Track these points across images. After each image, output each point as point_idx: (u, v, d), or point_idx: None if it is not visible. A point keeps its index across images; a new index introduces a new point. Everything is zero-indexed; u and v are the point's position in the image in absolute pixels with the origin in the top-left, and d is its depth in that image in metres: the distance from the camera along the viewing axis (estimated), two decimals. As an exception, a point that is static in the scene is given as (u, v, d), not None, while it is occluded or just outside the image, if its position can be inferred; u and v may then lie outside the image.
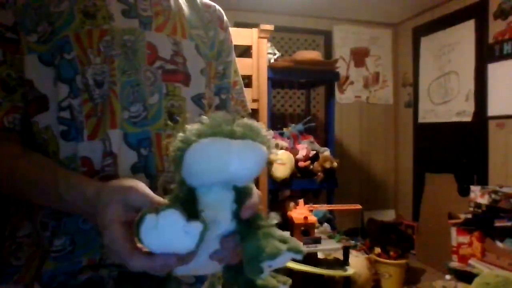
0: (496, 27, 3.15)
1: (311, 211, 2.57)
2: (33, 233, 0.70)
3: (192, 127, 0.53)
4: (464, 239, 2.75)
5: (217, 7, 0.93)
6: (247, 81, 2.73)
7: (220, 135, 0.52)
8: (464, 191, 3.26)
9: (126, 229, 0.52)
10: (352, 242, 2.61)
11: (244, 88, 1.00)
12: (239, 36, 2.66)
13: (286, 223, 2.60)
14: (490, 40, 3.19)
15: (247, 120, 0.55)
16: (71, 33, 0.69)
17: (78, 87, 0.68)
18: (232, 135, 0.52)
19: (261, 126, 0.55)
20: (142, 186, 0.56)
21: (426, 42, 3.94)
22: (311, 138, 3.30)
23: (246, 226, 0.55)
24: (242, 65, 2.70)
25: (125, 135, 0.70)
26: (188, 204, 0.53)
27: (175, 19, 0.80)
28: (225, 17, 0.94)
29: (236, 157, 0.51)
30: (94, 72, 0.69)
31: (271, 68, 3.02)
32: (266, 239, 0.53)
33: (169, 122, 0.75)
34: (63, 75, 0.68)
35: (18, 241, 0.71)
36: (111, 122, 0.69)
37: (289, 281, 0.59)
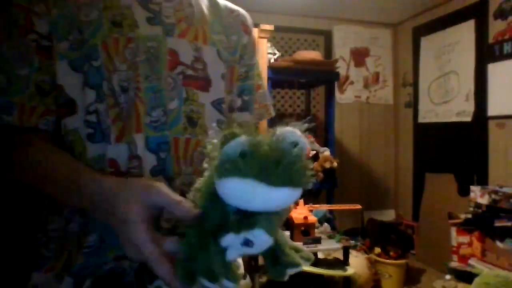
0: (496, 27, 3.15)
1: (311, 211, 2.57)
2: (61, 227, 0.75)
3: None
4: (464, 239, 2.76)
5: (241, 11, 0.95)
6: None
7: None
8: (464, 191, 3.26)
9: (151, 231, 0.54)
10: (352, 242, 2.61)
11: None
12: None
13: (286, 223, 2.59)
14: (490, 40, 3.19)
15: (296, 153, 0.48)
16: (99, 41, 0.72)
17: (104, 93, 0.72)
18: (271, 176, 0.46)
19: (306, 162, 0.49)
20: (163, 186, 0.57)
21: (426, 42, 3.94)
22: (311, 138, 3.30)
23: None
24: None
25: (146, 139, 0.74)
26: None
27: (197, 25, 0.83)
28: (249, 21, 0.96)
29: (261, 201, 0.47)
30: (120, 79, 0.73)
31: (271, 68, 3.02)
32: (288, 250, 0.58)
33: (188, 127, 0.78)
34: (91, 81, 0.72)
35: (49, 234, 0.76)
36: (136, 126, 0.73)
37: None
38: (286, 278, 0.59)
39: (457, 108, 3.54)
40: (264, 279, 2.46)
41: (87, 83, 0.72)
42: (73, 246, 0.72)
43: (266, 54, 2.83)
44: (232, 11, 0.94)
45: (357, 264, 2.91)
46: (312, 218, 2.46)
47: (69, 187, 0.66)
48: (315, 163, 3.07)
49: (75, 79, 0.73)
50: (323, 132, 3.64)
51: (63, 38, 0.72)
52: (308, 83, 3.75)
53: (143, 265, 0.57)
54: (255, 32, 2.73)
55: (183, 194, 0.59)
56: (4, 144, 0.74)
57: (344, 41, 4.22)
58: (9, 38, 0.72)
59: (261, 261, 2.43)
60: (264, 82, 1.03)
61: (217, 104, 0.84)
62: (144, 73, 0.74)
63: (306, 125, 0.56)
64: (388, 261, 3.30)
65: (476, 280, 2.20)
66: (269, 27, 2.76)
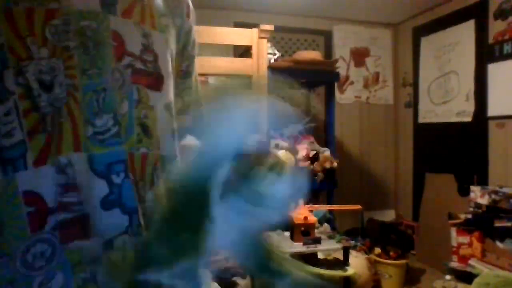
0: (496, 27, 3.15)
1: (311, 211, 2.57)
2: None
3: None
4: (464, 239, 2.76)
5: None
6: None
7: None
8: (464, 191, 3.26)
9: None
10: (352, 242, 2.60)
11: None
12: (239, 36, 2.66)
13: (286, 223, 2.59)
14: (490, 40, 3.19)
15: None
16: None
17: (8, 89, 0.49)
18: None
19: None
20: None
21: (426, 42, 3.94)
22: (311, 139, 3.30)
23: None
24: (242, 66, 2.70)
25: (90, 158, 0.52)
26: None
27: (142, 3, 0.62)
28: (189, 2, 0.76)
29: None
30: (39, 70, 0.50)
31: (271, 68, 3.02)
32: None
33: (143, 138, 0.58)
34: None
35: None
36: (73, 140, 0.51)
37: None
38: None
39: (457, 108, 3.54)
40: (263, 279, 2.46)
41: None
42: None
43: (266, 54, 2.83)
44: None
45: (357, 264, 2.91)
46: (312, 218, 2.46)
47: None
48: (315, 163, 3.07)
49: None
50: (323, 133, 3.63)
51: None
52: (308, 83, 3.75)
53: None
54: (255, 32, 2.73)
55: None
56: None
57: (344, 41, 4.22)
58: None
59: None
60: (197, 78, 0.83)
61: (169, 108, 0.64)
62: (80, 65, 0.52)
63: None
64: (388, 261, 3.30)
65: (476, 280, 2.20)
66: (269, 27, 2.75)
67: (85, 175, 0.51)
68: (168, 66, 0.65)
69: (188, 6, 0.74)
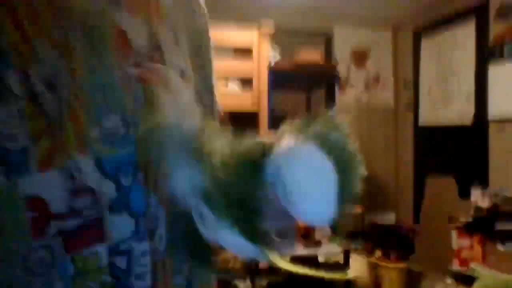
0: (497, 28, 3.14)
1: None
2: None
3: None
4: (465, 242, 2.74)
5: None
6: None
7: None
8: (464, 194, 3.25)
9: None
10: (353, 245, 2.59)
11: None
12: (240, 37, 2.65)
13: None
14: (491, 41, 3.18)
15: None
16: (2, 9, 0.47)
17: (12, 91, 0.47)
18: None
19: None
20: None
21: (426, 43, 3.94)
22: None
23: None
24: (243, 67, 2.70)
25: (98, 161, 0.50)
26: None
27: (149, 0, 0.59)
28: (202, 2, 0.73)
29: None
30: (44, 71, 0.48)
31: (272, 70, 3.01)
32: None
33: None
34: None
35: None
36: (80, 143, 0.49)
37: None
38: None
39: (457, 110, 3.53)
40: (264, 282, 2.45)
41: None
42: None
43: (266, 55, 2.82)
44: None
45: (357, 267, 2.90)
46: (312, 221, 2.45)
47: None
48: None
49: None
50: (323, 134, 3.62)
51: None
52: (308, 85, 3.75)
53: None
54: (256, 33, 2.72)
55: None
56: None
57: (345, 42, 4.21)
58: None
59: (261, 264, 2.42)
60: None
61: (179, 106, 0.61)
62: (86, 65, 0.50)
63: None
64: (388, 264, 3.29)
65: (477, 283, 2.19)
66: (270, 27, 2.75)
67: (93, 179, 0.49)
68: (178, 64, 0.62)
69: (200, 4, 0.72)
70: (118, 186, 0.51)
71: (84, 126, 0.49)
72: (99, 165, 0.50)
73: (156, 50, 0.58)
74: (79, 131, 0.49)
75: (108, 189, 0.50)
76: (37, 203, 0.47)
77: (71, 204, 0.48)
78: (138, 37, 0.55)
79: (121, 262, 0.51)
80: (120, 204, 0.51)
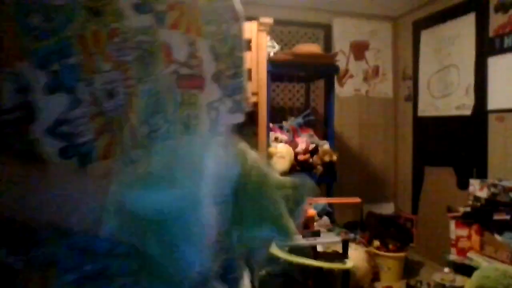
0: (496, 20, 3.13)
1: (310, 204, 2.57)
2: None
3: None
4: (463, 232, 2.77)
5: None
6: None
7: None
8: (463, 185, 3.27)
9: None
10: (351, 235, 2.62)
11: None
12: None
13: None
14: (491, 33, 3.18)
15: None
16: (74, 33, 0.58)
17: (82, 98, 0.59)
18: None
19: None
20: None
21: (426, 36, 3.93)
22: (311, 132, 3.30)
23: None
24: (242, 58, 2.70)
25: (146, 152, 0.62)
26: None
27: (189, 14, 0.70)
28: (237, 5, 0.83)
29: None
30: (104, 81, 0.60)
31: (271, 61, 3.01)
32: None
33: (185, 135, 0.67)
34: (63, 83, 0.58)
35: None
36: (133, 139, 0.61)
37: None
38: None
39: (456, 101, 3.54)
40: (263, 271, 2.47)
41: (57, 85, 0.58)
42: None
43: (265, 47, 2.82)
44: None
45: (356, 257, 2.92)
46: (312, 211, 2.47)
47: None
48: (315, 156, 3.07)
49: (40, 79, 0.58)
50: (323, 126, 3.63)
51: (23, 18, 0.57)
52: (307, 76, 3.74)
53: None
54: (255, 25, 2.72)
55: None
56: None
57: (344, 34, 4.20)
58: None
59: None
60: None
61: (211, 107, 0.73)
62: (137, 74, 0.62)
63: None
64: (387, 254, 3.32)
65: (476, 273, 2.21)
66: (269, 20, 2.75)
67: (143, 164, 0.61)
68: (212, 69, 0.73)
69: (235, 9, 0.82)
70: None
71: (135, 124, 0.61)
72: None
73: (193, 58, 0.69)
74: (131, 128, 0.61)
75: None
76: None
77: None
78: (178, 49, 0.67)
79: None
80: None
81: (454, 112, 3.56)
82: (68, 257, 0.59)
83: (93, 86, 0.59)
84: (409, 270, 3.44)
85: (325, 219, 2.80)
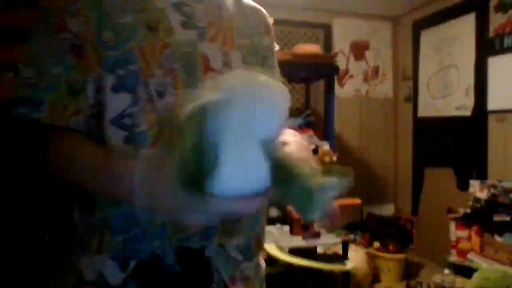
0: (496, 20, 3.13)
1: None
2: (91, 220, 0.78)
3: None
4: (463, 233, 2.76)
5: (263, 11, 0.99)
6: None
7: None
8: (463, 186, 3.26)
9: None
10: (351, 237, 2.61)
11: None
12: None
13: (286, 217, 2.59)
14: (491, 33, 3.17)
15: None
16: (136, 46, 0.74)
17: (140, 97, 0.73)
18: None
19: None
20: None
21: (426, 36, 3.92)
22: (311, 132, 3.29)
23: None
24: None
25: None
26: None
27: (225, 30, 0.84)
28: (269, 20, 1.00)
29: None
30: (157, 83, 0.74)
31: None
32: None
33: None
34: (127, 85, 0.74)
35: (82, 225, 0.81)
36: (177, 132, 0.70)
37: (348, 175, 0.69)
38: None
39: (456, 102, 3.53)
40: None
41: (122, 86, 0.73)
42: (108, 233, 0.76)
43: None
44: (255, 9, 0.95)
45: (356, 258, 2.92)
46: (311, 213, 2.46)
47: (108, 175, 0.68)
48: (315, 157, 3.06)
49: (109, 81, 0.73)
50: (323, 126, 3.63)
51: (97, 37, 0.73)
52: (307, 77, 3.73)
53: (183, 247, 0.73)
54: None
55: None
56: (34, 141, 0.77)
57: (344, 34, 4.20)
58: (42, 35, 0.74)
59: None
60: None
61: None
62: (182, 80, 0.76)
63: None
64: (387, 255, 3.31)
65: (476, 274, 2.21)
66: (269, 20, 2.73)
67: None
68: None
69: (267, 24, 0.98)
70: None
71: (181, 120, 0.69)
72: None
73: (227, 68, 0.81)
74: (178, 125, 0.66)
75: None
76: None
77: None
78: (215, 59, 0.80)
79: None
80: None
81: (454, 113, 3.55)
82: (118, 222, 0.74)
83: (149, 88, 0.74)
84: (409, 271, 3.43)
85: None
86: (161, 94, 0.74)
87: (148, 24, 0.75)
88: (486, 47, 3.21)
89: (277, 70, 1.01)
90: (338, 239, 2.49)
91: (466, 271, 2.54)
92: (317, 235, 2.41)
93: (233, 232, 0.80)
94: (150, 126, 0.73)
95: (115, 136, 0.74)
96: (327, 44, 4.14)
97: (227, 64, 0.81)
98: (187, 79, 0.76)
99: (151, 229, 0.73)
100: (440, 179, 3.70)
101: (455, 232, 2.79)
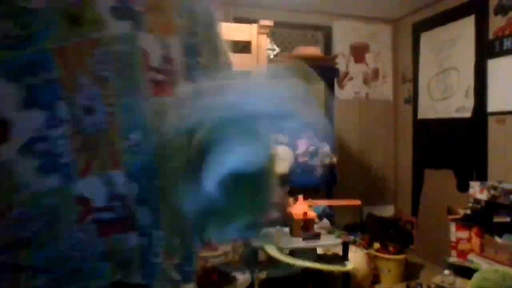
0: (496, 23, 3.14)
1: (310, 206, 2.57)
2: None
3: None
4: (463, 234, 2.77)
5: None
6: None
7: None
8: (463, 187, 3.27)
9: None
10: (352, 238, 2.61)
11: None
12: (238, 31, 2.65)
13: (286, 219, 2.60)
14: (490, 36, 3.18)
15: None
16: (52, 45, 0.53)
17: (60, 117, 0.54)
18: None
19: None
20: None
21: (426, 38, 3.94)
22: (310, 134, 3.30)
23: None
24: (242, 61, 2.70)
25: (126, 170, 0.59)
26: None
27: (165, 14, 0.66)
28: None
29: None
30: (84, 97, 0.55)
31: (271, 64, 3.02)
32: None
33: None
34: (39, 100, 0.53)
35: None
36: (113, 157, 0.58)
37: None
38: None
39: (456, 104, 3.54)
40: (263, 274, 2.47)
41: (32, 101, 0.53)
42: None
43: (265, 49, 2.83)
44: None
45: (356, 259, 2.92)
46: (312, 214, 2.47)
47: None
48: (315, 158, 3.07)
49: (8, 92, 0.52)
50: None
51: None
52: (307, 79, 3.74)
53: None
54: (255, 27, 2.72)
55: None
56: None
57: (344, 37, 4.21)
58: None
59: (260, 256, 2.44)
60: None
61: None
62: (116, 89, 0.58)
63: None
64: (387, 256, 3.31)
65: (476, 275, 2.21)
66: (269, 22, 2.75)
67: (124, 184, 0.58)
68: (180, 67, 0.68)
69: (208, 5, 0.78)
70: (141, 185, 0.60)
71: (116, 140, 0.57)
72: (128, 174, 0.58)
73: (167, 63, 0.65)
74: (111, 145, 0.57)
75: (135, 189, 0.59)
76: (83, 201, 0.56)
77: (108, 203, 0.57)
78: (154, 54, 0.62)
79: (144, 242, 0.61)
80: (143, 199, 0.60)
81: (454, 115, 3.56)
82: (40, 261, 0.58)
83: (74, 105, 0.55)
84: (409, 272, 3.43)
85: (325, 221, 2.80)
86: (88, 111, 0.56)
87: (68, 12, 0.54)
88: (485, 49, 3.23)
89: (221, 35, 0.82)
90: (338, 240, 2.49)
91: (466, 272, 2.54)
92: (317, 236, 2.41)
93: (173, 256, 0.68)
94: (77, 152, 0.55)
95: (23, 168, 0.53)
96: (327, 47, 4.15)
97: (166, 58, 0.64)
98: (122, 87, 0.58)
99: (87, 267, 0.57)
100: (440, 180, 3.70)
101: (455, 233, 2.80)
